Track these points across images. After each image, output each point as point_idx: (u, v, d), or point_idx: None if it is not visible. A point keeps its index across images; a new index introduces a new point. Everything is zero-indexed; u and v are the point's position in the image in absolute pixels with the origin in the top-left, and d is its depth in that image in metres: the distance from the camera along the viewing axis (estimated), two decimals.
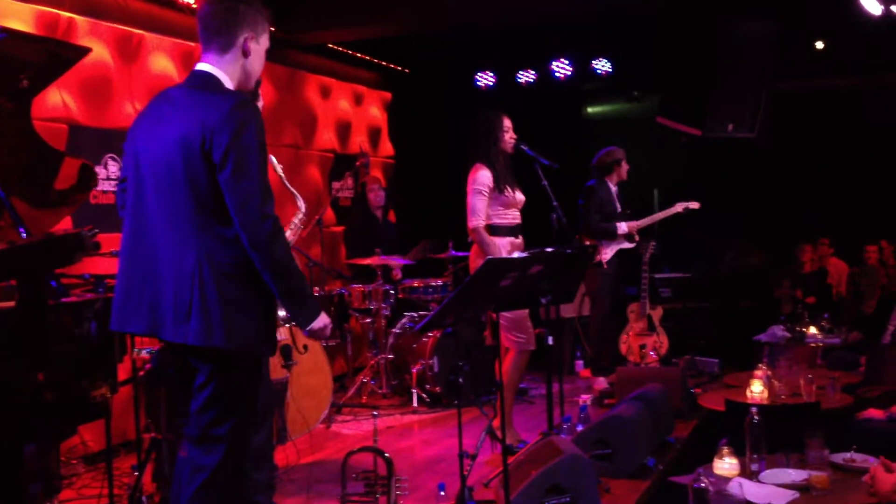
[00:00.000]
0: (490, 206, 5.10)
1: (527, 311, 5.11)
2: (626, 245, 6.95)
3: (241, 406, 2.94)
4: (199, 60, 2.99)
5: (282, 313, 3.51)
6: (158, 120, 2.92)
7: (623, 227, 6.89)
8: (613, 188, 7.08)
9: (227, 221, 2.80)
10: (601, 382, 6.87)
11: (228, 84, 2.95)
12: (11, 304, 3.40)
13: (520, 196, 5.22)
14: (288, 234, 3.80)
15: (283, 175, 3.74)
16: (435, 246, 7.73)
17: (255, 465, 3.74)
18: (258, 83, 3.84)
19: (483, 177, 5.08)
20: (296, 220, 3.87)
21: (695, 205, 7.01)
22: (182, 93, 2.95)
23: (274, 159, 3.76)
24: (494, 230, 5.12)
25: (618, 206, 7.05)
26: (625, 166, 7.08)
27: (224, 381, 2.89)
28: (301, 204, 3.84)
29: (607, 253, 6.89)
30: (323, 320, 2.98)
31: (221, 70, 2.96)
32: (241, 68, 2.99)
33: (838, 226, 8.82)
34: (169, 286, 2.83)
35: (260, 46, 3.03)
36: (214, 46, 2.96)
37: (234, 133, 2.76)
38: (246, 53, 2.98)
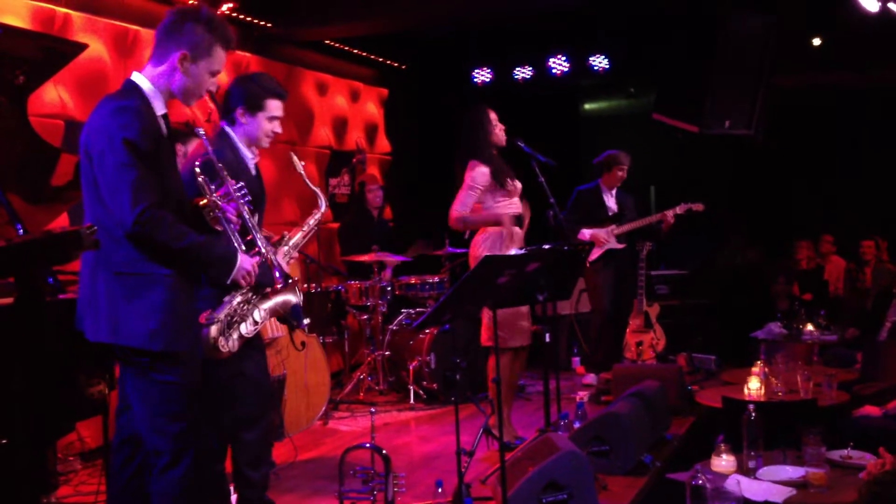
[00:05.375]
0: (494, 198, 5.12)
1: (515, 308, 5.08)
2: (616, 246, 6.76)
3: (170, 409, 2.89)
4: None
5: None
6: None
7: (585, 233, 6.67)
8: (609, 191, 6.91)
9: (115, 220, 2.82)
10: (590, 379, 6.85)
11: (153, 95, 2.90)
12: (9, 300, 3.40)
13: (518, 184, 5.25)
14: (298, 235, 3.74)
15: (303, 173, 3.73)
16: (431, 243, 7.73)
17: (251, 463, 3.73)
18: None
19: (480, 174, 5.07)
20: (311, 221, 3.76)
21: (697, 206, 6.76)
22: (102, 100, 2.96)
23: (295, 157, 3.75)
24: None
25: (610, 209, 6.84)
26: (618, 172, 6.84)
27: (142, 381, 2.90)
28: (321, 203, 3.77)
29: (593, 254, 6.68)
30: (243, 267, 3.03)
31: (148, 79, 2.92)
32: (174, 85, 2.93)
33: (835, 222, 8.81)
34: (84, 285, 2.94)
35: (198, 68, 2.92)
36: (153, 56, 2.96)
37: (102, 133, 2.79)
38: (178, 70, 2.91)
